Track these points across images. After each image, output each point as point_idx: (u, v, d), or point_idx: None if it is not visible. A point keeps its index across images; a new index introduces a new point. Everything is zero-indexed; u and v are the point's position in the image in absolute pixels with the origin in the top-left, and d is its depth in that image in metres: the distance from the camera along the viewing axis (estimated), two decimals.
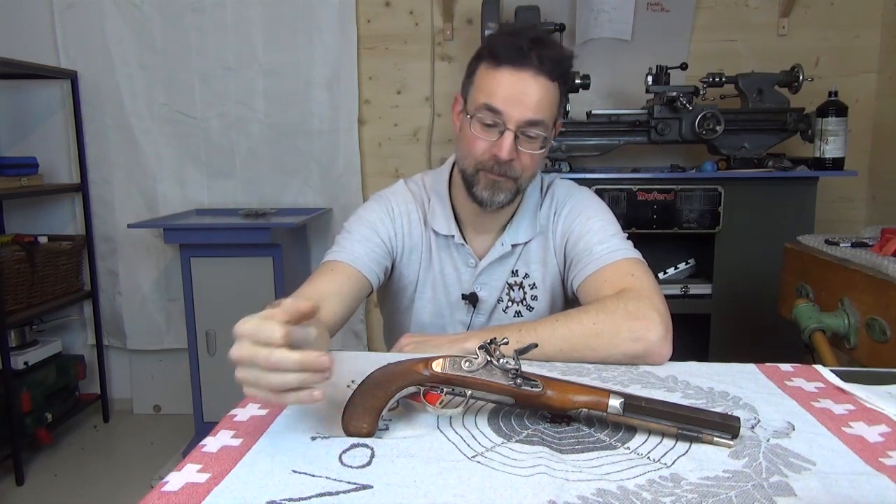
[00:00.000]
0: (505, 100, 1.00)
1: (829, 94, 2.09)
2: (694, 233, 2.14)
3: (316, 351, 0.63)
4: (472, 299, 1.17)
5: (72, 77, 2.55)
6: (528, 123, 1.01)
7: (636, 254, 1.09)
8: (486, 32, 2.16)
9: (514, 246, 1.15)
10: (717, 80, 2.18)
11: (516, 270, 1.17)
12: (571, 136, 2.22)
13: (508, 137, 1.01)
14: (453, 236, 1.15)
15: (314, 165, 2.61)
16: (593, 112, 2.24)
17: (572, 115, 2.27)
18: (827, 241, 1.61)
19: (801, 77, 2.14)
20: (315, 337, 0.63)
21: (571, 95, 2.25)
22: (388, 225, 1.16)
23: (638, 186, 2.11)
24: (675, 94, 2.11)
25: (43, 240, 2.52)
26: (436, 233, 1.17)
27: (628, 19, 2.43)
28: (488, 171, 1.05)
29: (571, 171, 2.18)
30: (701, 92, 2.18)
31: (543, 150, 1.06)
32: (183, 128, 2.61)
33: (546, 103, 1.02)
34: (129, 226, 2.36)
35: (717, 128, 2.10)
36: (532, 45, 1.00)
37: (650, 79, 2.17)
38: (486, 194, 1.06)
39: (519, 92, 1.00)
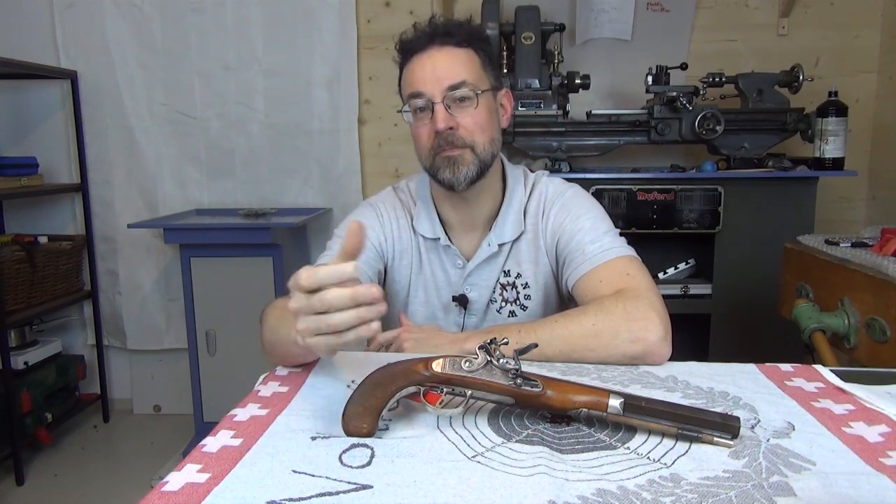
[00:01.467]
0: (421, 80, 1.06)
1: (829, 94, 2.10)
2: (694, 233, 2.14)
3: (367, 286, 0.64)
4: (461, 301, 1.17)
5: (72, 77, 2.55)
6: (450, 88, 1.05)
7: (630, 251, 1.08)
8: (487, 32, 2.16)
9: (501, 245, 1.15)
10: (717, 80, 2.18)
11: (508, 270, 1.17)
12: (571, 136, 2.22)
13: (439, 110, 1.05)
14: (439, 238, 1.16)
15: (314, 165, 2.61)
16: (593, 112, 2.24)
17: (572, 115, 2.27)
18: (827, 241, 1.61)
19: (801, 77, 2.14)
20: (352, 269, 0.65)
21: (571, 95, 2.26)
22: (378, 230, 1.17)
23: (638, 186, 2.11)
24: (675, 94, 2.11)
25: (43, 240, 2.52)
26: (423, 237, 1.17)
27: (628, 19, 2.43)
28: (441, 152, 1.07)
29: (571, 171, 2.18)
30: (701, 92, 2.18)
31: (481, 109, 1.07)
32: (183, 128, 2.61)
33: (461, 65, 1.06)
34: (129, 226, 2.36)
35: (717, 128, 2.10)
36: (430, 28, 1.08)
37: (650, 79, 2.17)
38: (447, 174, 1.08)
39: (430, 68, 1.06)
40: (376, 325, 0.66)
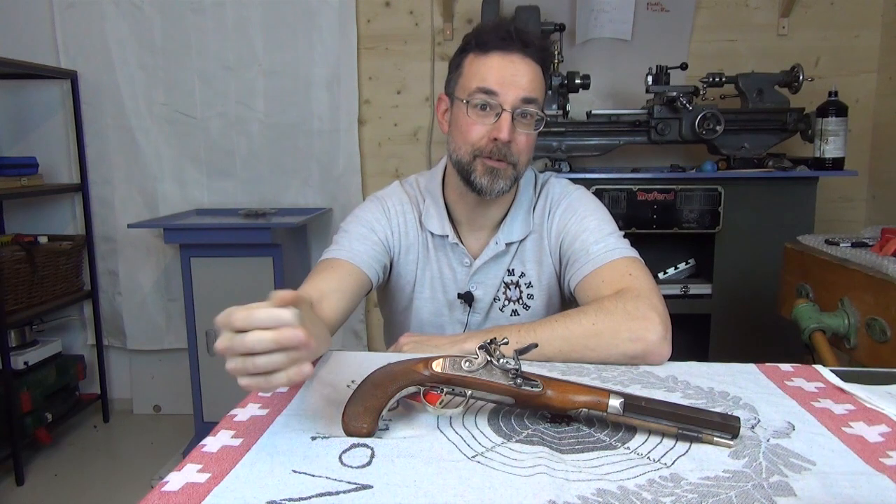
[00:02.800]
0: (499, 81, 1.03)
1: (829, 94, 2.10)
2: (694, 233, 2.14)
3: (293, 329, 0.61)
4: (467, 298, 1.17)
5: (72, 77, 2.55)
6: (524, 101, 1.03)
7: (633, 252, 1.09)
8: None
9: (508, 244, 1.15)
10: (717, 80, 2.18)
11: (512, 269, 1.17)
12: (571, 136, 2.22)
13: (506, 118, 1.03)
14: (447, 236, 1.16)
15: (314, 165, 2.61)
16: (593, 112, 2.24)
17: (572, 115, 2.27)
18: (827, 241, 1.61)
19: (801, 77, 2.14)
20: (294, 317, 0.61)
21: (571, 95, 2.25)
22: (385, 224, 1.17)
23: (638, 186, 2.11)
24: (675, 94, 2.11)
25: (43, 240, 2.52)
26: (431, 233, 1.17)
27: (628, 19, 2.43)
28: (486, 158, 1.05)
29: (571, 171, 2.18)
30: (701, 92, 2.18)
31: (535, 135, 1.08)
32: (183, 128, 2.61)
33: (537, 83, 1.05)
34: (129, 226, 2.36)
35: (717, 128, 2.10)
36: (515, 32, 1.04)
37: (650, 79, 2.17)
38: (484, 181, 1.06)
39: (511, 73, 1.03)
40: (307, 367, 0.63)
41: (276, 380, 0.63)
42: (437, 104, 1.14)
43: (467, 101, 1.05)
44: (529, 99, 1.03)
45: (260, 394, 0.82)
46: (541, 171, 1.25)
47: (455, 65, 1.10)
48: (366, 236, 1.14)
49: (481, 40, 1.05)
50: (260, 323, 0.61)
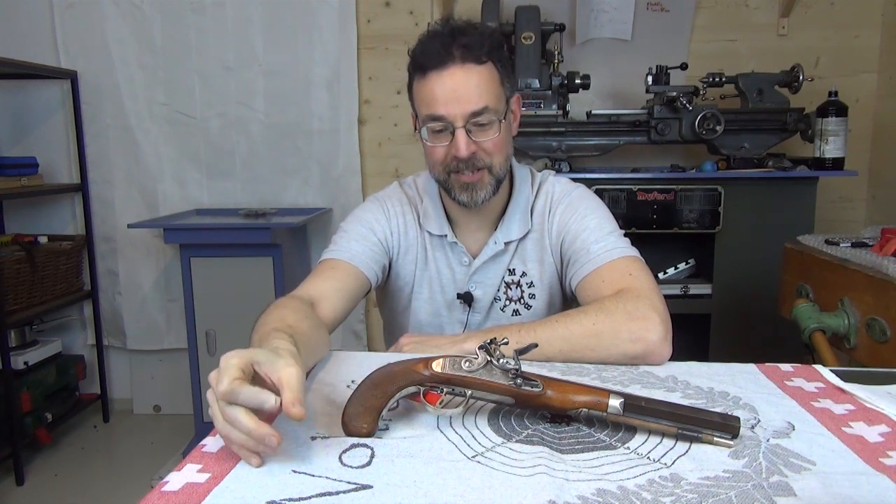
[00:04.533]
0: (443, 103, 1.01)
1: (829, 94, 2.10)
2: (694, 233, 2.14)
3: (269, 429, 0.62)
4: (466, 298, 1.17)
5: (72, 77, 2.55)
6: (473, 115, 1.02)
7: (633, 251, 1.08)
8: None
9: (507, 243, 1.15)
10: (717, 80, 2.18)
11: (513, 269, 1.17)
12: (571, 136, 2.22)
13: (460, 136, 1.02)
14: (446, 235, 1.16)
15: (314, 165, 2.61)
16: (593, 112, 2.24)
17: (572, 115, 2.27)
18: (827, 241, 1.61)
19: (801, 77, 2.14)
20: (273, 404, 0.62)
21: (571, 95, 2.25)
22: (384, 224, 1.17)
23: (638, 186, 2.11)
24: (675, 94, 2.11)
25: (43, 240, 2.52)
26: (430, 233, 1.17)
27: (628, 19, 2.43)
28: (458, 173, 1.05)
29: (571, 171, 2.18)
30: (701, 92, 2.18)
31: (502, 133, 1.05)
32: (183, 128, 2.61)
33: (483, 88, 1.02)
34: (129, 226, 2.36)
35: (717, 128, 2.10)
36: (450, 40, 1.01)
37: (650, 79, 2.17)
38: (464, 197, 1.07)
39: (452, 90, 1.00)
40: (256, 461, 0.63)
41: (235, 450, 0.64)
42: (413, 120, 1.13)
43: (423, 128, 1.05)
44: (477, 111, 1.01)
45: None
46: (539, 171, 1.25)
47: (408, 86, 1.09)
48: (365, 237, 1.14)
49: (417, 63, 1.03)
50: (250, 404, 0.62)
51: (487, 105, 1.02)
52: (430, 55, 1.02)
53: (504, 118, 1.05)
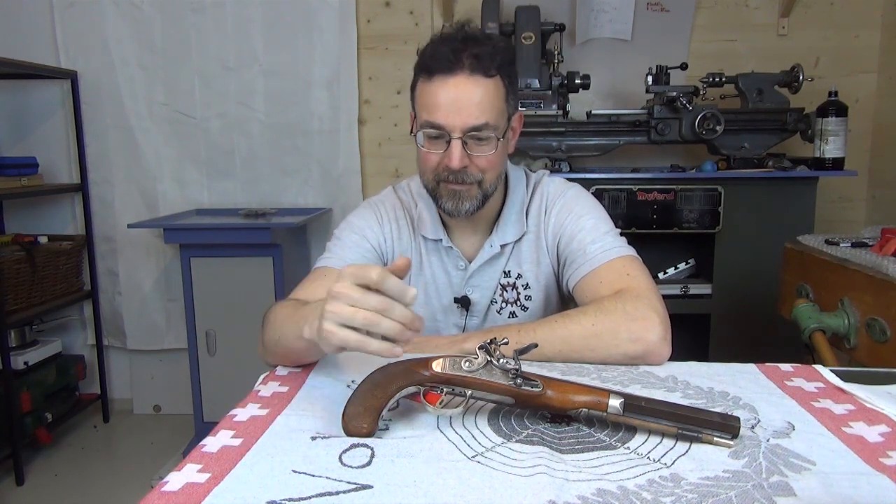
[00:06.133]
0: (444, 112, 0.99)
1: (829, 94, 2.10)
2: (694, 233, 2.14)
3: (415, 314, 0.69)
4: (463, 302, 1.16)
5: (72, 77, 2.55)
6: (473, 129, 1.00)
7: (630, 251, 1.08)
8: (485, 32, 2.16)
9: (503, 246, 1.15)
10: (717, 80, 2.18)
11: (508, 271, 1.17)
12: (571, 136, 2.22)
13: (456, 147, 1.00)
14: (441, 240, 1.15)
15: (314, 165, 2.61)
16: (593, 112, 2.24)
17: (572, 115, 2.27)
18: (827, 241, 1.61)
19: (801, 77, 2.14)
20: (415, 293, 0.70)
21: (571, 95, 2.26)
22: (377, 231, 1.17)
23: (638, 186, 2.11)
24: (675, 94, 2.11)
25: (43, 240, 2.52)
26: (424, 238, 1.17)
27: (628, 19, 2.43)
28: (447, 182, 1.05)
29: (571, 171, 2.18)
30: (701, 92, 2.18)
31: (498, 151, 1.04)
32: (183, 128, 2.61)
33: (487, 103, 1.00)
34: (129, 226, 2.36)
35: (717, 128, 2.10)
36: (462, 46, 0.99)
37: (650, 79, 2.17)
38: (449, 205, 1.06)
39: (455, 100, 0.99)
40: (399, 350, 0.69)
41: (372, 346, 0.69)
42: (411, 121, 1.11)
43: (419, 132, 1.04)
44: (478, 126, 0.99)
45: (260, 394, 0.82)
46: (537, 171, 1.25)
47: (412, 86, 1.07)
48: (358, 244, 1.14)
49: (426, 64, 1.01)
50: (394, 294, 0.68)
51: (488, 122, 1.00)
52: (439, 58, 1.00)
53: (503, 136, 1.04)
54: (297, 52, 2.54)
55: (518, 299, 1.17)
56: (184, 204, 2.65)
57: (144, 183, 2.64)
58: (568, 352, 0.94)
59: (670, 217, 2.11)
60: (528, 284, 1.16)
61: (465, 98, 0.99)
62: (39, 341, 2.56)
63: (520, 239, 1.16)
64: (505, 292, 1.17)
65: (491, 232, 1.15)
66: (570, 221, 1.12)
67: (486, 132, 1.01)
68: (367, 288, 0.68)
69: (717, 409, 0.73)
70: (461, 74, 0.99)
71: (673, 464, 0.64)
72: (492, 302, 1.17)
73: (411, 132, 1.09)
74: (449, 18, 2.51)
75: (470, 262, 1.16)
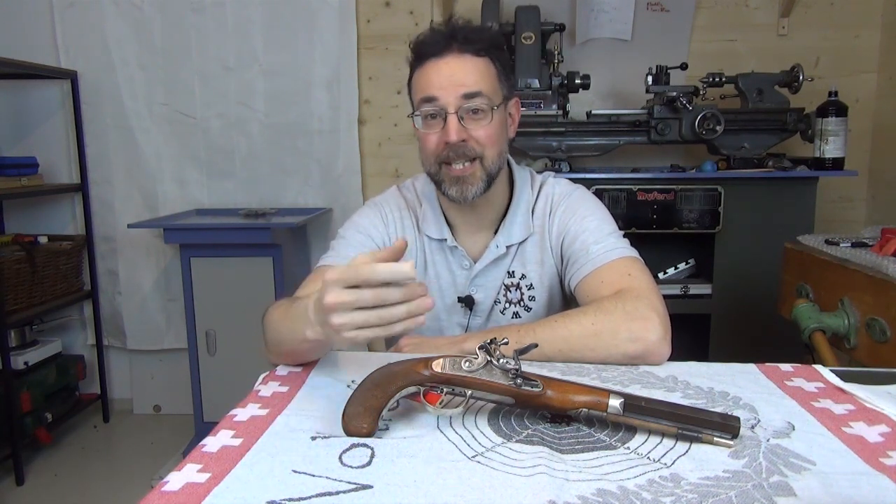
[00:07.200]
0: (437, 86, 1.02)
1: (829, 94, 2.10)
2: (694, 233, 2.14)
3: (420, 287, 0.68)
4: (468, 302, 1.16)
5: (72, 77, 2.55)
6: (465, 97, 1.02)
7: (633, 252, 1.08)
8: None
9: (508, 247, 1.15)
10: (717, 80, 2.18)
11: (512, 271, 1.17)
12: (571, 136, 2.22)
13: (452, 120, 1.02)
14: (445, 239, 1.15)
15: (314, 165, 2.61)
16: (593, 112, 2.24)
17: (572, 115, 2.27)
18: (827, 241, 1.61)
19: (801, 77, 2.14)
20: (414, 264, 0.68)
21: (571, 95, 2.26)
22: (382, 230, 1.17)
23: (638, 186, 2.11)
24: (675, 94, 2.11)
25: (43, 240, 2.52)
26: (429, 237, 1.17)
27: (628, 19, 2.43)
28: (449, 164, 1.05)
29: (571, 171, 2.18)
30: (701, 92, 2.18)
31: (495, 124, 1.05)
32: (183, 128, 2.61)
33: (478, 76, 1.03)
34: (129, 226, 2.36)
35: (717, 128, 2.10)
36: (450, 32, 1.04)
37: (650, 79, 2.17)
38: (454, 191, 1.07)
39: (447, 75, 1.02)
40: (422, 318, 0.69)
41: (395, 329, 0.69)
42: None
43: (417, 115, 1.06)
44: (471, 94, 1.02)
45: (260, 394, 0.82)
46: (540, 171, 1.25)
47: (408, 83, 1.10)
48: (362, 243, 1.14)
49: (417, 52, 1.06)
50: (389, 278, 0.67)
51: (481, 90, 1.03)
52: (428, 44, 1.04)
53: (497, 107, 1.05)
54: (297, 52, 2.54)
55: (521, 300, 1.17)
56: (184, 204, 2.65)
57: (144, 183, 2.64)
58: (568, 351, 0.94)
59: (670, 217, 2.11)
60: (531, 285, 1.16)
61: (456, 72, 1.03)
62: (39, 341, 2.56)
63: (524, 240, 1.16)
64: (509, 292, 1.17)
65: (495, 231, 1.16)
66: (574, 222, 1.12)
67: (480, 101, 1.03)
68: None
69: (717, 409, 0.73)
70: (450, 53, 1.03)
71: (673, 464, 0.64)
72: (495, 302, 1.17)
73: (412, 116, 1.10)
74: (449, 19, 2.50)
75: (474, 261, 1.16)
